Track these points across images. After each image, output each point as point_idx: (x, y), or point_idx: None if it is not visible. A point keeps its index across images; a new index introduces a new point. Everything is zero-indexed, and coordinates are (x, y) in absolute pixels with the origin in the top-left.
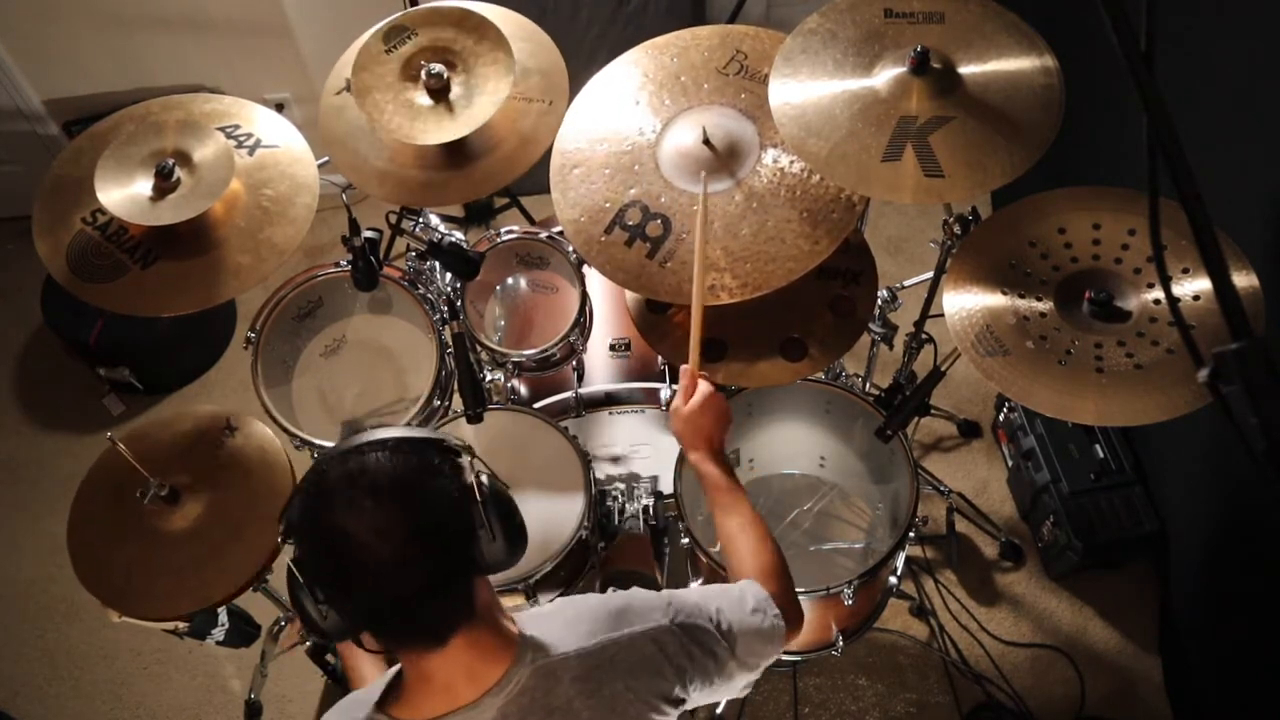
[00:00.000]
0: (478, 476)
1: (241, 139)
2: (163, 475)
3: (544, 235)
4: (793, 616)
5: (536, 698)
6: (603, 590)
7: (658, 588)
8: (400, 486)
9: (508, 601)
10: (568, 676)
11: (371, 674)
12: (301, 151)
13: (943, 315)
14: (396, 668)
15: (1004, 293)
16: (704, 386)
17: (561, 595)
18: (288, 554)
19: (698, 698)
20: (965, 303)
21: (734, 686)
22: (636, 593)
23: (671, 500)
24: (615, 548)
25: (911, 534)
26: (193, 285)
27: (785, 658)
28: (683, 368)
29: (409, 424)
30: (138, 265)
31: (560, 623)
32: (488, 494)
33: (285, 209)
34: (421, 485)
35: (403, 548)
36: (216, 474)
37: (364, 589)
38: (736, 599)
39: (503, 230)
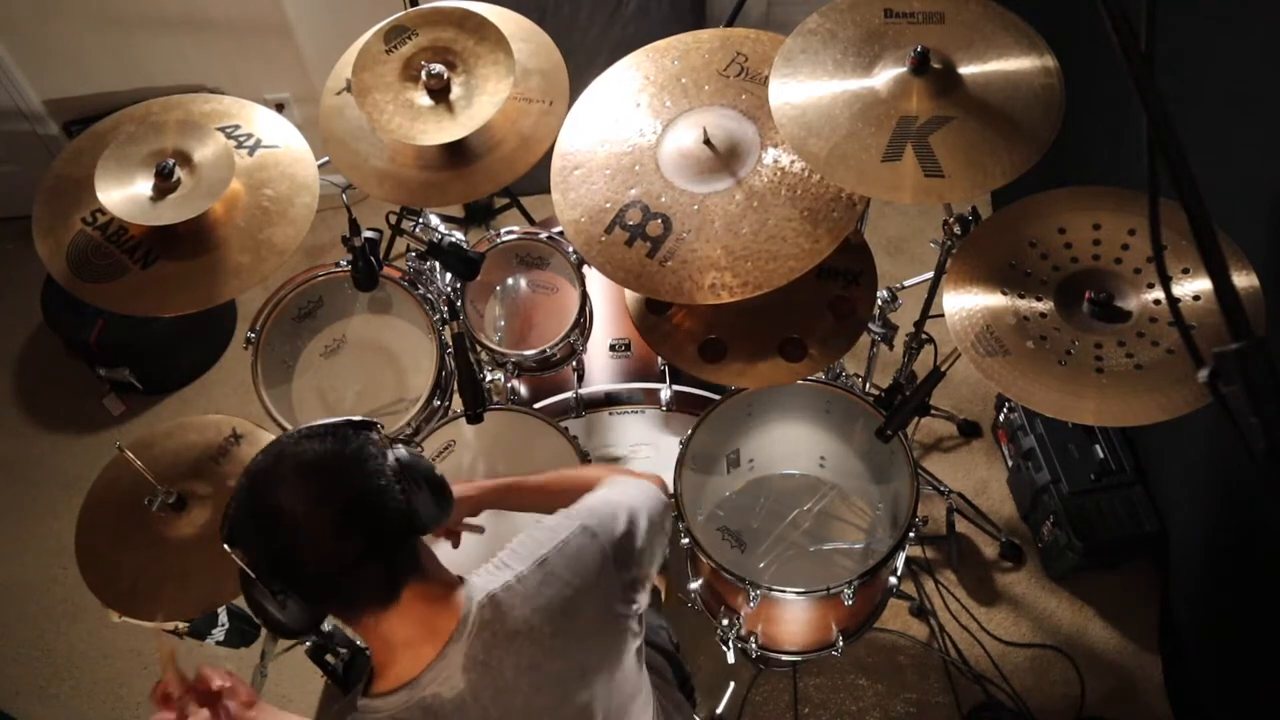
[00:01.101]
0: (391, 444)
1: (242, 139)
2: (170, 483)
3: (544, 235)
4: (658, 484)
5: (495, 630)
6: None
7: (658, 591)
8: (322, 461)
9: None
10: (518, 600)
11: None
12: (302, 151)
13: (943, 315)
14: (369, 669)
15: (1004, 293)
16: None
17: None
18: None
19: (649, 569)
20: (965, 303)
21: (655, 548)
22: (545, 518)
23: (671, 500)
24: None
25: (911, 534)
26: (193, 285)
27: (785, 658)
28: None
29: (410, 423)
30: (138, 265)
31: (495, 565)
32: (405, 459)
33: (285, 209)
34: (341, 456)
35: (337, 516)
36: (223, 481)
37: (310, 562)
38: (613, 486)
39: (503, 230)
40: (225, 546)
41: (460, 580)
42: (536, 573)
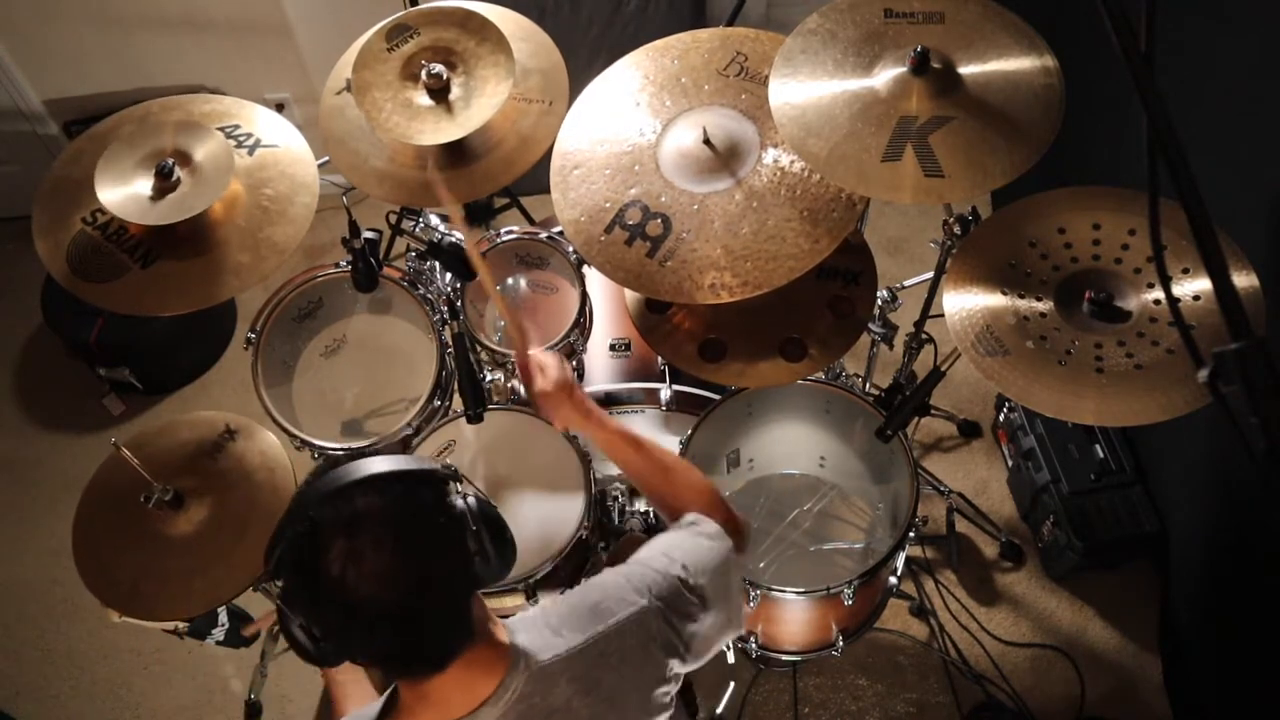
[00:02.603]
0: (466, 500)
1: (241, 139)
2: (166, 480)
3: (544, 235)
4: (741, 538)
5: (535, 703)
6: None
7: None
8: (399, 531)
9: (508, 601)
10: (564, 678)
11: (355, 691)
12: (301, 151)
13: (943, 315)
14: (392, 687)
15: (1004, 293)
16: (540, 357)
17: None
18: None
19: (691, 664)
20: (965, 303)
21: (718, 639)
22: (606, 579)
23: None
24: (614, 553)
25: (911, 534)
26: (193, 285)
27: (785, 657)
28: (516, 359)
29: (410, 423)
30: (138, 265)
31: (547, 626)
32: (478, 516)
33: (285, 208)
34: (418, 525)
35: (408, 593)
36: (219, 478)
37: (369, 634)
38: (693, 545)
39: (503, 230)
40: (267, 578)
41: (507, 648)
42: (589, 650)
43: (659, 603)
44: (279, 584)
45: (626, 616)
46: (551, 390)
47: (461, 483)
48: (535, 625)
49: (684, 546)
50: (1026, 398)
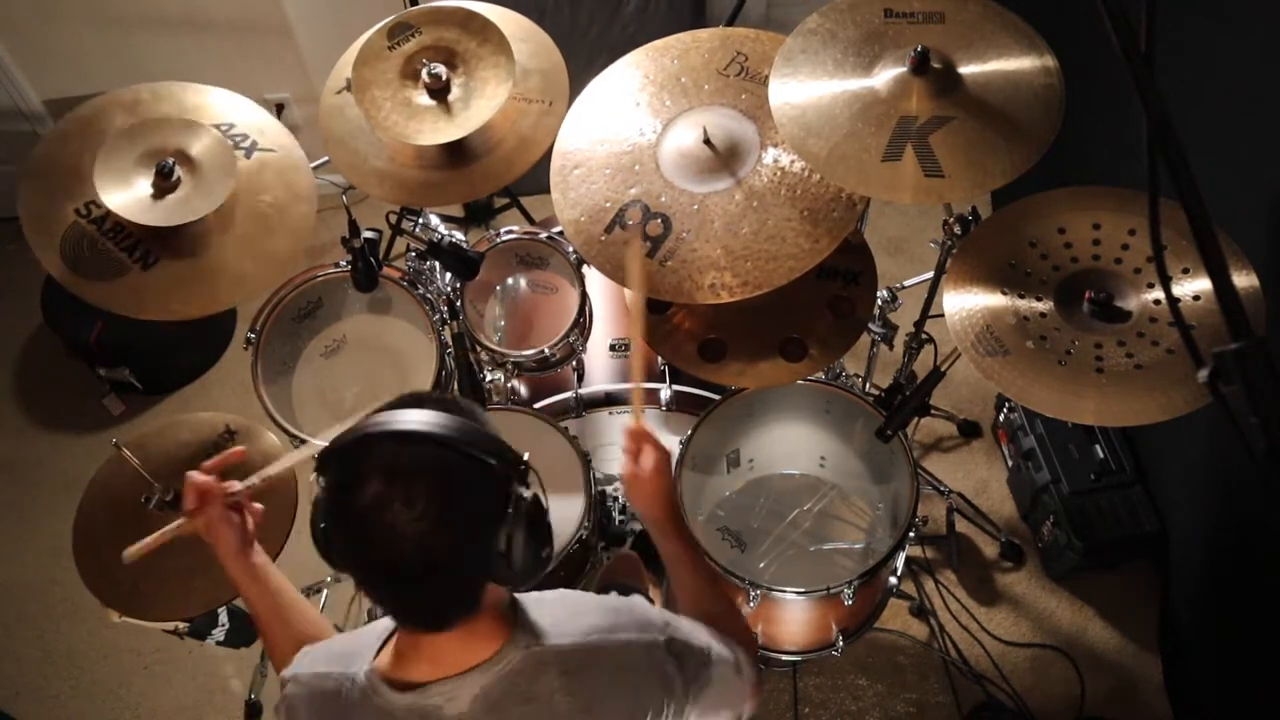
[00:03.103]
0: (520, 497)
1: (238, 140)
2: (167, 481)
3: (544, 235)
4: (757, 694)
5: (519, 683)
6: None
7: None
8: (445, 493)
9: None
10: (555, 668)
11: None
12: (298, 155)
13: (943, 315)
14: (392, 627)
15: (1004, 293)
16: (652, 450)
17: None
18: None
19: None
20: (965, 303)
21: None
22: (638, 601)
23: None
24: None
25: (911, 534)
26: (195, 290)
27: (785, 657)
28: (627, 429)
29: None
30: (138, 265)
31: (560, 611)
32: (521, 517)
33: (284, 214)
34: (465, 496)
35: (417, 559)
36: (219, 479)
37: (375, 569)
38: (729, 654)
39: (503, 230)
40: (312, 476)
41: (513, 619)
42: (587, 652)
43: (670, 645)
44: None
45: (639, 639)
46: (651, 477)
47: (528, 478)
48: (549, 605)
49: (722, 643)
50: (1026, 398)
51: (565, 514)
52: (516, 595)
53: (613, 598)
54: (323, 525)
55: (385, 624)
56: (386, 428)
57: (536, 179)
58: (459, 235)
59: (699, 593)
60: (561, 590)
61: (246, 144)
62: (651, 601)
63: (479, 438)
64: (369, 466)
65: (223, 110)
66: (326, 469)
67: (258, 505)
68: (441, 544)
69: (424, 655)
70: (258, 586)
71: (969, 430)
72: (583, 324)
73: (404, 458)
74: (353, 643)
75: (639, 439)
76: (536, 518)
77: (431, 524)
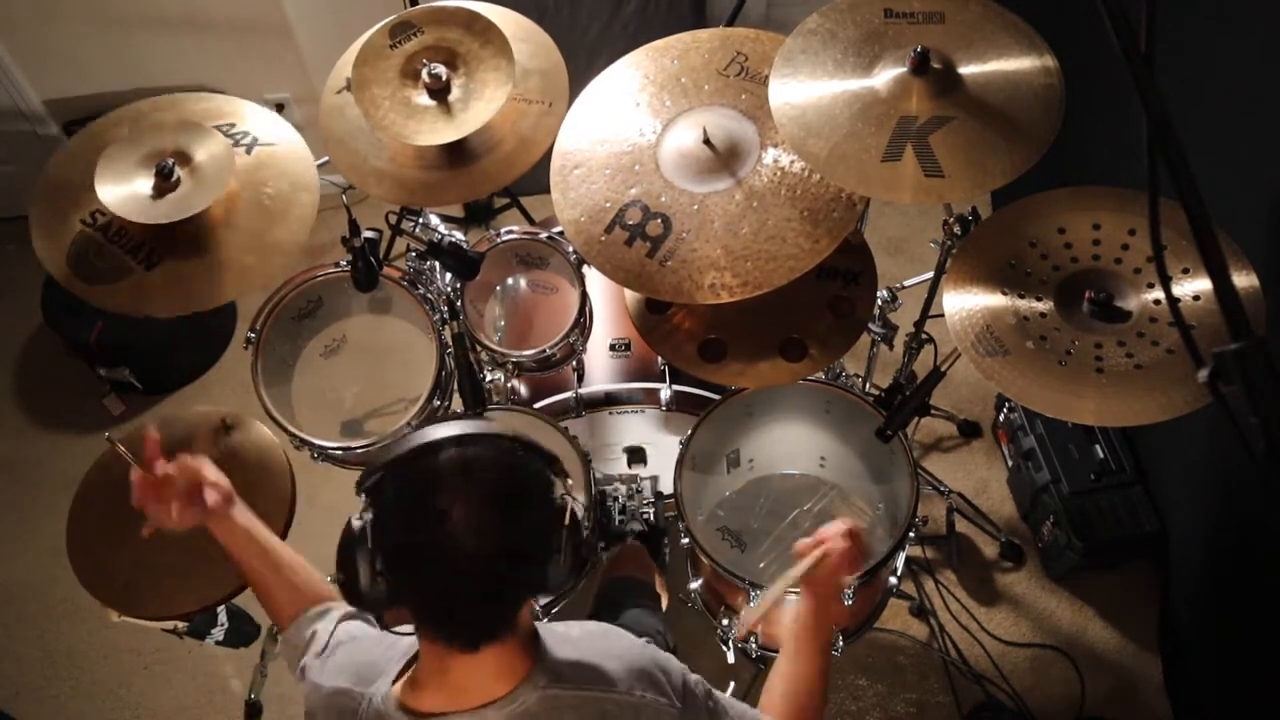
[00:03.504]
0: (569, 498)
1: (239, 137)
2: None
3: (544, 235)
4: None
5: None
6: (599, 595)
7: (655, 596)
8: (514, 493)
9: None
10: (570, 715)
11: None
12: (300, 150)
13: (943, 315)
14: (415, 650)
15: (1004, 293)
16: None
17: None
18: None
19: None
20: (965, 303)
21: None
22: (674, 662)
23: (671, 500)
24: (613, 558)
25: (911, 534)
26: (196, 286)
27: None
28: (852, 528)
29: (409, 423)
30: (141, 266)
31: (588, 653)
32: (574, 516)
33: (286, 207)
34: (530, 498)
35: (492, 552)
36: None
37: (436, 576)
38: None
39: (503, 230)
40: (358, 493)
41: (535, 653)
42: (601, 705)
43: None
44: (364, 512)
45: (658, 702)
46: (825, 590)
47: (568, 481)
48: (578, 645)
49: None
50: (1026, 398)
51: None
52: (547, 626)
53: (655, 650)
54: (369, 550)
55: (409, 643)
56: (438, 435)
57: (536, 179)
58: (459, 235)
59: (812, 681)
60: (597, 626)
61: (247, 140)
62: (656, 595)
63: (524, 439)
64: (438, 471)
65: (223, 110)
66: (383, 487)
67: (209, 473)
68: (508, 542)
69: (447, 682)
70: (253, 546)
71: (969, 430)
72: (583, 324)
73: (469, 457)
74: (376, 656)
75: (855, 536)
76: (577, 521)
77: (506, 516)
